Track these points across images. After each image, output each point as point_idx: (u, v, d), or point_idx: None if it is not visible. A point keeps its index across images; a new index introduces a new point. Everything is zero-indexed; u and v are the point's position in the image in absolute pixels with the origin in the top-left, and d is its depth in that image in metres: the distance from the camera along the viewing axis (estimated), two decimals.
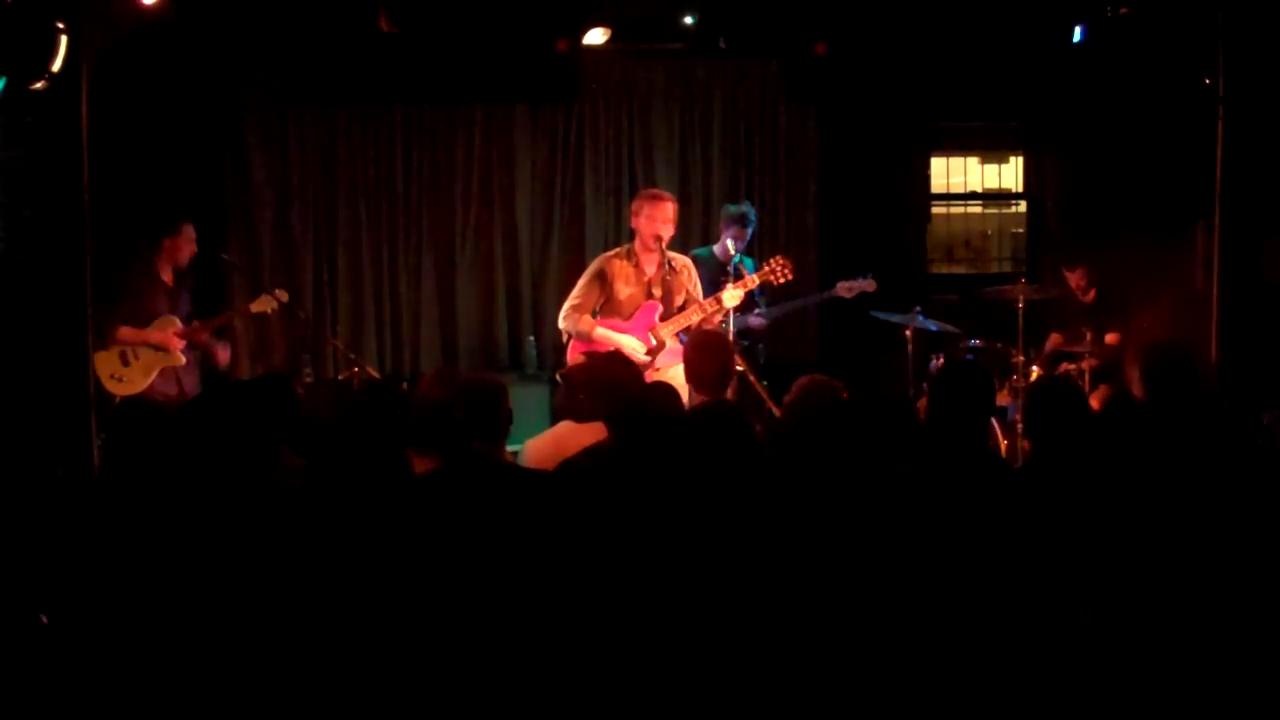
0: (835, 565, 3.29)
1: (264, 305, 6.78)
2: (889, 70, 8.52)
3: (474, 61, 8.18)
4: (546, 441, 4.58)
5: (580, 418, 4.54)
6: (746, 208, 7.27)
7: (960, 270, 9.64)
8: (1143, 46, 7.39)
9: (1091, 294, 7.64)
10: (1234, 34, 6.49)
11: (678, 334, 6.06)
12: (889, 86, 8.63)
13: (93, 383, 6.16)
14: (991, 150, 9.61)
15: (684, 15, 7.86)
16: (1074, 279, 7.67)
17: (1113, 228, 8.22)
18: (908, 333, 7.41)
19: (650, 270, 6.11)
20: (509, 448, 4.20)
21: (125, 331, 6.55)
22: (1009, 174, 9.67)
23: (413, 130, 8.49)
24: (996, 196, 9.71)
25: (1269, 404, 4.33)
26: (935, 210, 9.45)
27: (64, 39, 5.53)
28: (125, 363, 6.57)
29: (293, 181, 8.37)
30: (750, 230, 7.19)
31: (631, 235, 6.20)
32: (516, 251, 8.65)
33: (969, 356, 7.42)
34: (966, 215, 9.76)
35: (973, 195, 9.67)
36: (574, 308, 6.12)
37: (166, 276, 6.71)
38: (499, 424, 3.99)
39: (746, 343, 6.88)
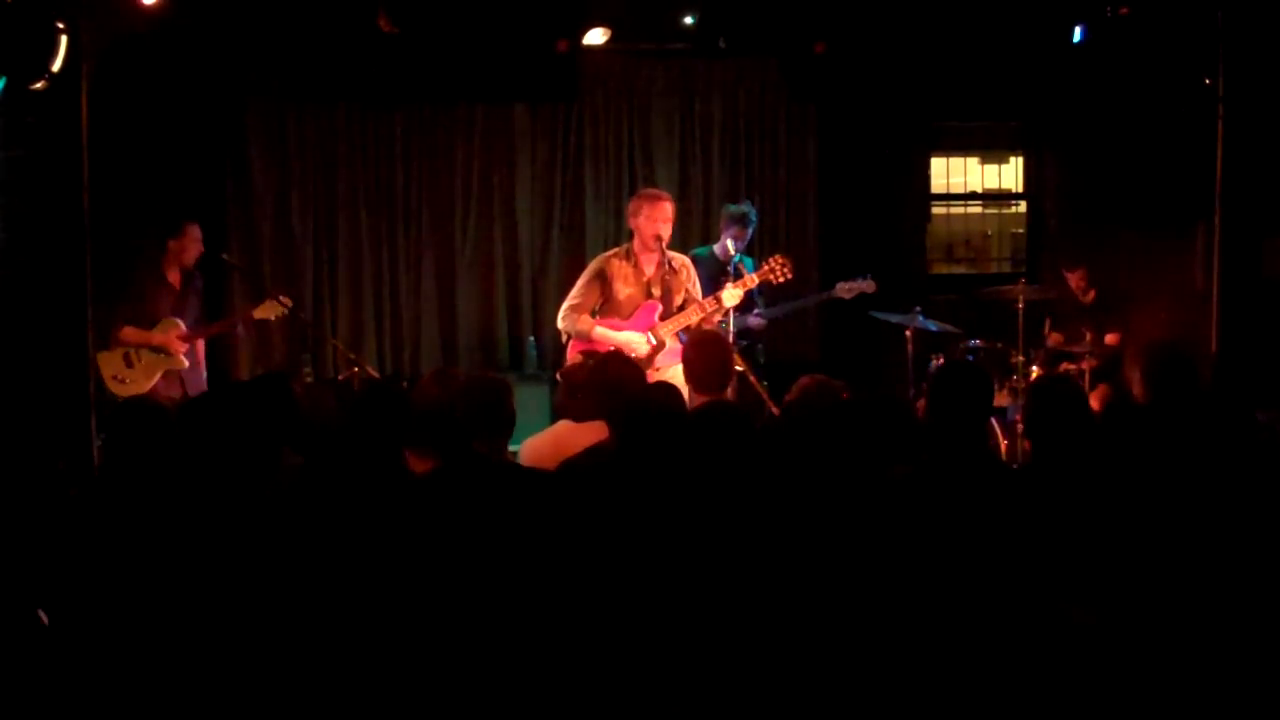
0: (834, 565, 3.29)
1: (268, 311, 6.74)
2: (889, 70, 8.51)
3: (474, 61, 8.17)
4: (545, 441, 4.58)
5: (579, 417, 4.54)
6: (747, 208, 7.27)
7: (960, 270, 9.63)
8: (1143, 46, 7.39)
9: (1091, 294, 7.64)
10: (1234, 34, 6.50)
11: (677, 334, 6.06)
12: (889, 86, 8.63)
13: (93, 383, 6.17)
14: (991, 150, 9.61)
15: (684, 15, 7.85)
16: (1074, 279, 7.67)
17: (1113, 228, 8.22)
18: (908, 333, 7.41)
19: (649, 270, 6.10)
20: (509, 448, 4.19)
21: (129, 332, 6.53)
22: (1009, 174, 9.67)
23: (413, 130, 8.49)
24: (996, 196, 9.71)
25: (1267, 403, 4.32)
26: (935, 210, 9.44)
27: (64, 39, 5.54)
28: (129, 364, 6.55)
29: (293, 181, 8.36)
30: (750, 230, 7.19)
31: (631, 235, 6.19)
32: (516, 251, 8.65)
33: (969, 357, 7.42)
34: (966, 215, 9.75)
35: (973, 195, 9.66)
36: (573, 307, 6.12)
37: (173, 278, 6.69)
38: (503, 422, 3.99)
39: (746, 343, 6.87)
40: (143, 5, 6.38)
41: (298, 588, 3.23)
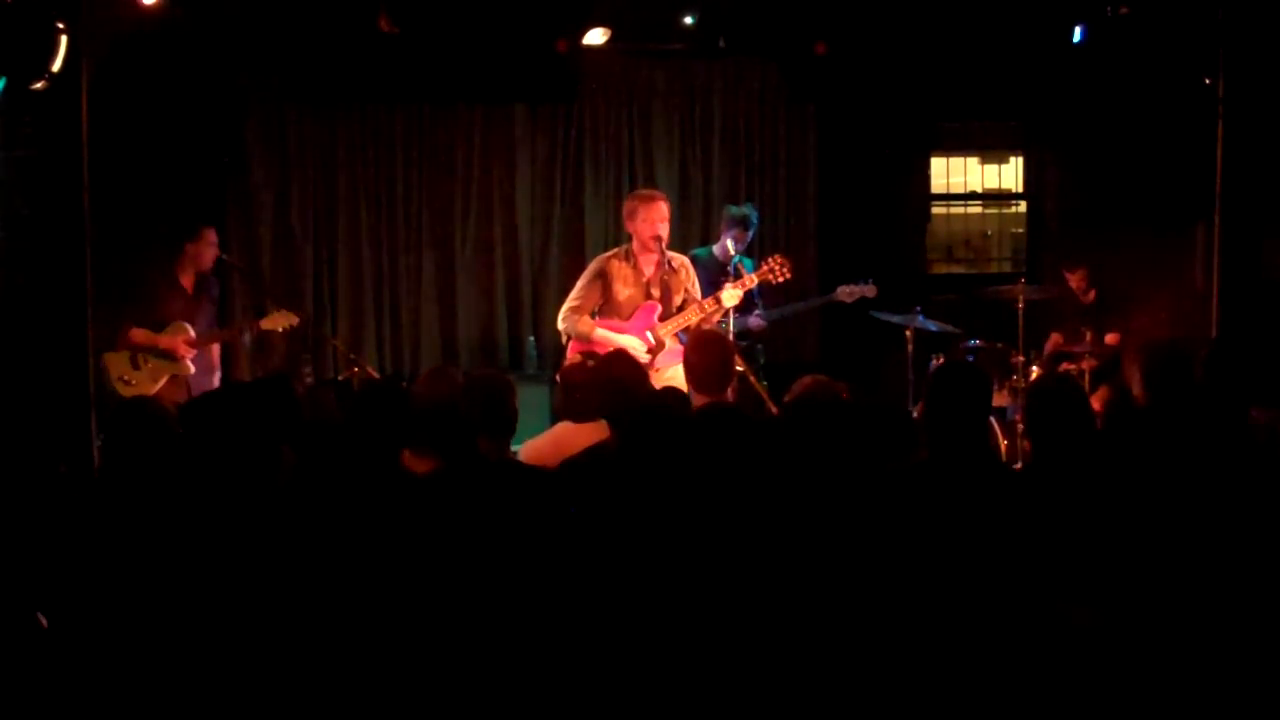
0: (834, 565, 3.29)
1: (275, 323, 6.69)
2: (889, 70, 8.51)
3: (474, 62, 8.18)
4: (546, 442, 4.58)
5: (579, 418, 4.54)
6: (749, 209, 7.27)
7: (960, 270, 9.63)
8: (1143, 46, 7.39)
9: (1092, 294, 7.64)
10: (1234, 34, 6.50)
11: (677, 334, 6.05)
12: (889, 86, 8.63)
13: (93, 383, 6.16)
14: (991, 150, 9.60)
15: (684, 15, 7.86)
16: (1074, 280, 7.67)
17: (1113, 228, 8.22)
18: (908, 333, 7.42)
19: (649, 270, 6.10)
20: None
21: (137, 333, 6.48)
22: (1009, 174, 9.66)
23: (413, 130, 8.49)
24: (996, 196, 9.71)
25: (1267, 403, 4.32)
26: (935, 210, 9.44)
27: (64, 39, 5.54)
28: (135, 366, 6.49)
29: (293, 181, 8.36)
30: (751, 232, 7.19)
31: (630, 235, 6.19)
32: (516, 251, 8.65)
33: (969, 357, 7.42)
34: (966, 215, 9.75)
35: (973, 195, 9.66)
36: (573, 309, 6.12)
37: (186, 282, 6.64)
38: (506, 420, 3.99)
39: (746, 343, 6.87)
40: (143, 5, 6.38)
41: (297, 588, 3.23)
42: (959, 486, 3.53)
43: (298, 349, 8.11)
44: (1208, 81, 6.61)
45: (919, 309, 7.45)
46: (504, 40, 7.93)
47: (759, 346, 7.34)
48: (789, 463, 3.70)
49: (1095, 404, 6.77)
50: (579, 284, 6.20)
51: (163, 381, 6.51)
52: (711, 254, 7.06)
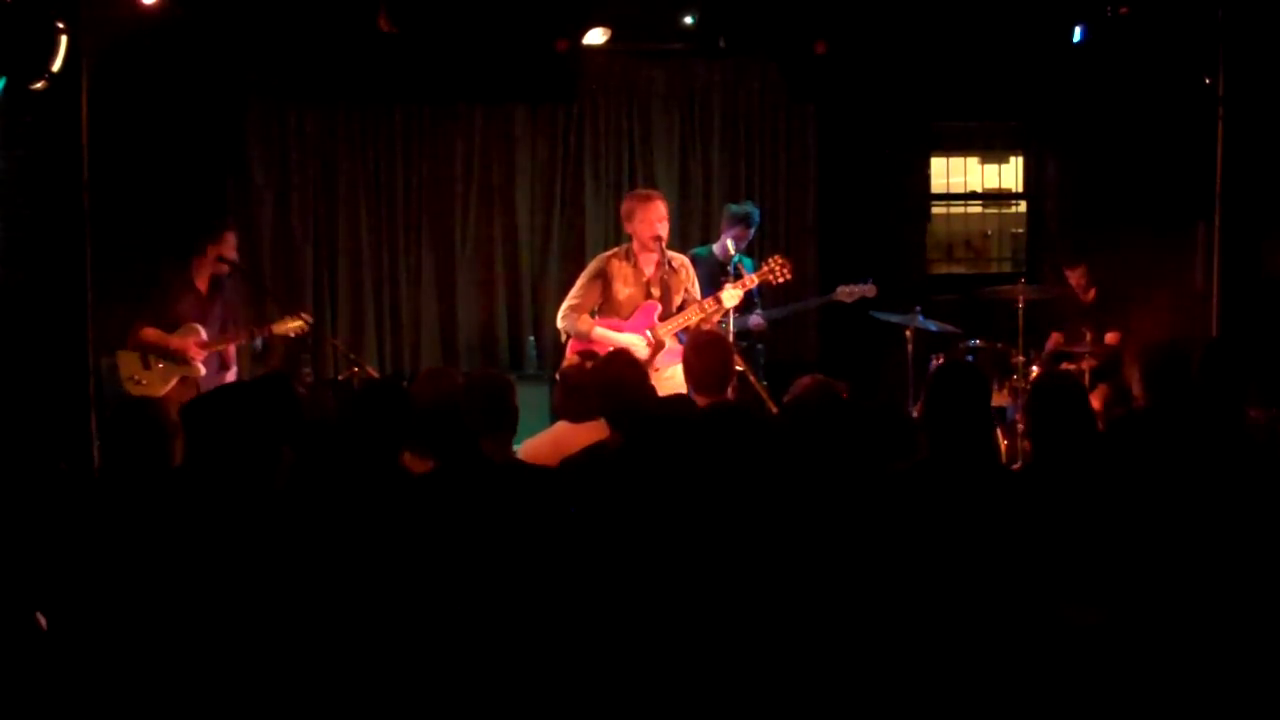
0: (833, 564, 3.28)
1: (288, 327, 6.63)
2: (889, 70, 8.52)
3: (474, 61, 8.17)
4: (545, 442, 4.58)
5: (578, 418, 4.54)
6: (751, 208, 7.28)
7: (960, 270, 9.63)
8: (1143, 46, 7.39)
9: (1092, 293, 7.64)
10: (1234, 34, 6.50)
11: (676, 334, 6.05)
12: (889, 86, 8.63)
13: (94, 382, 6.16)
14: (991, 150, 9.61)
15: (684, 15, 7.85)
16: (1074, 277, 7.67)
17: (1113, 227, 8.22)
18: (908, 333, 7.42)
19: (649, 270, 6.10)
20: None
21: (148, 332, 6.42)
22: (1009, 174, 9.67)
23: (413, 130, 8.48)
24: (996, 196, 9.71)
25: (1267, 402, 4.33)
26: (935, 210, 9.44)
27: (64, 39, 5.54)
28: (146, 366, 6.43)
29: (293, 181, 8.36)
30: (753, 231, 7.19)
31: (630, 235, 6.19)
32: (516, 251, 8.65)
33: (969, 357, 7.42)
34: (966, 215, 9.75)
35: (973, 195, 9.66)
36: (573, 307, 6.12)
37: (201, 283, 6.58)
38: (506, 419, 3.99)
39: (746, 343, 6.87)
40: (143, 5, 6.38)
41: (296, 588, 3.23)
42: (958, 486, 3.53)
43: (298, 349, 8.10)
44: (1208, 81, 6.62)
45: (919, 309, 7.45)
46: (504, 40, 7.93)
47: (759, 346, 7.34)
48: (789, 463, 3.70)
49: (1095, 404, 6.78)
50: (579, 282, 6.20)
51: (173, 383, 6.45)
52: (711, 253, 7.06)
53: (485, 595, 3.26)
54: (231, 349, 6.74)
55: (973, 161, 9.62)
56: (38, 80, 5.55)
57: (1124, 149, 8.13)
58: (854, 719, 3.09)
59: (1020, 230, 9.61)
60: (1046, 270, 8.76)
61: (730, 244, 6.91)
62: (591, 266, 6.25)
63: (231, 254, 6.62)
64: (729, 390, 4.89)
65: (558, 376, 5.50)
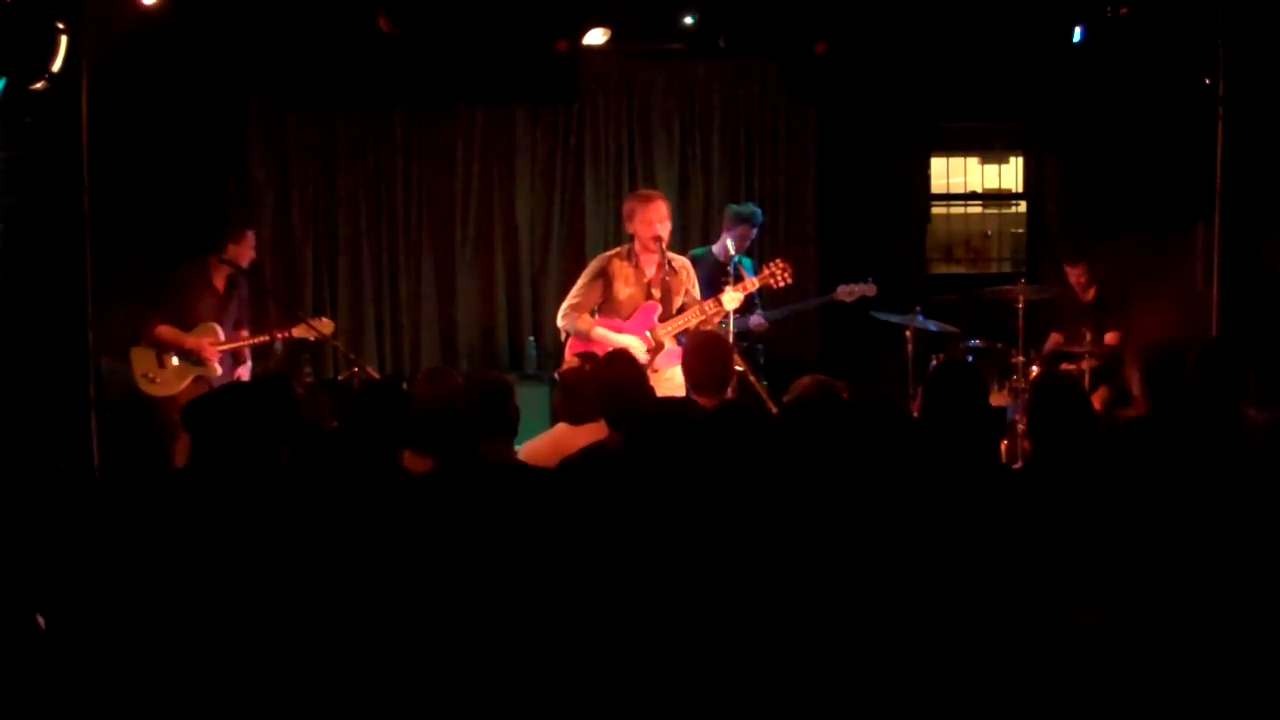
0: (833, 564, 3.28)
1: (308, 331, 6.61)
2: (889, 70, 8.52)
3: (474, 62, 8.17)
4: (544, 443, 4.58)
5: (578, 419, 4.54)
6: (753, 208, 7.28)
7: (960, 270, 9.64)
8: (1143, 46, 7.39)
9: (1091, 291, 7.65)
10: (1234, 34, 6.49)
11: (676, 336, 6.05)
12: (889, 86, 8.63)
13: (94, 383, 6.15)
14: (991, 150, 9.61)
15: (684, 15, 7.85)
16: (1074, 274, 7.67)
17: (1113, 227, 8.23)
18: (908, 333, 7.42)
19: (650, 271, 6.10)
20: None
21: (163, 330, 6.43)
22: (1009, 174, 9.67)
23: (413, 130, 8.49)
24: (996, 196, 9.71)
25: (1267, 402, 4.33)
26: (935, 210, 9.45)
27: (64, 39, 5.54)
28: (161, 364, 6.43)
29: (293, 181, 8.36)
30: (755, 230, 7.19)
31: (632, 235, 6.19)
32: (516, 251, 8.65)
33: (969, 357, 7.43)
34: (966, 215, 9.76)
35: (973, 195, 9.67)
36: (573, 306, 6.12)
37: (219, 283, 6.60)
38: (505, 421, 3.99)
39: (746, 344, 6.87)
40: (143, 5, 6.37)
41: (295, 588, 3.23)
42: (957, 486, 3.53)
43: (298, 349, 8.10)
44: (1208, 81, 6.61)
45: (919, 309, 7.45)
46: (504, 40, 7.93)
47: (759, 346, 7.34)
48: (789, 463, 3.70)
49: (1095, 404, 6.78)
50: (579, 282, 6.20)
51: (188, 381, 6.44)
52: (710, 253, 7.06)
53: (484, 596, 3.26)
54: (245, 353, 6.71)
55: (973, 161, 9.62)
56: (38, 80, 5.54)
57: (1124, 149, 8.13)
58: (855, 718, 3.09)
59: (1020, 230, 9.62)
60: (1046, 270, 8.76)
61: (730, 245, 6.90)
62: (593, 266, 6.25)
63: (251, 253, 6.62)
64: (729, 390, 4.89)
65: (557, 377, 5.51)
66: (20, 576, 3.35)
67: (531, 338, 8.56)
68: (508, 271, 8.64)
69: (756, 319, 7.13)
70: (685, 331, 6.00)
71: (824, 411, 3.83)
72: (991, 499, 3.52)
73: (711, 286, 6.32)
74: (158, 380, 6.39)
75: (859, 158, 8.83)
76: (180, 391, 6.35)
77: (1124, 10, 7.08)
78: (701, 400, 4.53)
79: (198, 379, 6.46)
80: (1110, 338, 7.44)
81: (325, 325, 6.67)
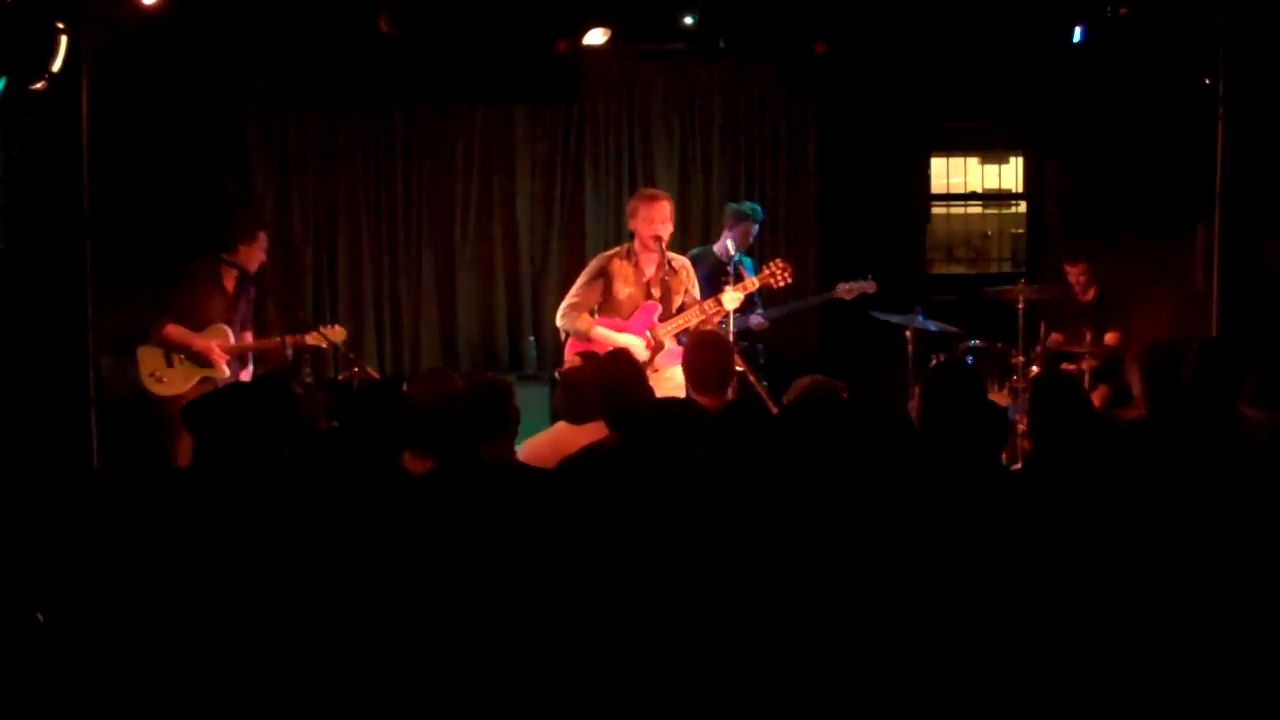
0: (832, 564, 3.29)
1: (320, 338, 6.59)
2: (889, 70, 8.52)
3: (474, 62, 8.17)
4: (544, 443, 4.58)
5: (578, 419, 4.54)
6: (753, 206, 7.28)
7: (960, 270, 9.64)
8: (1143, 46, 7.39)
9: (1091, 291, 7.65)
10: (1234, 34, 6.50)
11: (676, 335, 6.05)
12: (889, 86, 8.63)
13: (94, 383, 6.16)
14: (991, 150, 9.61)
15: (684, 15, 7.85)
16: (1074, 273, 7.68)
17: (1113, 228, 8.23)
18: (908, 333, 7.42)
19: (650, 271, 6.10)
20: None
21: (172, 330, 6.39)
22: (1009, 174, 9.67)
23: (413, 130, 8.49)
24: (996, 196, 9.72)
25: (1267, 402, 4.33)
26: (935, 210, 9.45)
27: (64, 39, 5.55)
28: (169, 363, 6.41)
29: (293, 181, 8.36)
30: (756, 228, 7.19)
31: (632, 235, 6.19)
32: (516, 251, 8.65)
33: (969, 357, 7.43)
34: (966, 215, 9.76)
35: (973, 195, 9.67)
36: (572, 305, 6.12)
37: (229, 284, 6.57)
38: (504, 421, 3.99)
39: (746, 343, 6.87)
40: (143, 5, 6.38)
41: (295, 588, 3.23)
42: (957, 486, 3.53)
43: (299, 350, 8.10)
44: (1208, 81, 6.62)
45: (919, 309, 7.45)
46: (504, 40, 7.93)
47: (759, 346, 7.33)
48: (789, 463, 3.70)
49: (1095, 403, 6.78)
50: (579, 281, 6.20)
51: (194, 381, 6.42)
52: (710, 252, 7.05)
53: (484, 596, 3.26)
54: (249, 356, 6.69)
55: (973, 162, 9.63)
56: (38, 80, 5.55)
57: (1124, 149, 8.13)
58: (855, 717, 3.09)
59: (1020, 230, 9.62)
60: (1046, 270, 8.76)
61: (730, 244, 6.90)
62: (593, 265, 6.25)
63: (262, 255, 6.62)
64: (729, 390, 4.89)
65: (557, 377, 5.51)
66: (20, 575, 3.36)
67: (531, 338, 8.56)
68: (508, 271, 8.64)
69: (756, 318, 7.13)
70: (685, 331, 6.00)
71: (824, 412, 3.83)
72: (991, 499, 3.52)
73: (712, 286, 6.32)
74: (165, 380, 6.38)
75: (859, 157, 8.83)
76: (186, 392, 6.33)
77: (1124, 10, 7.09)
78: (702, 400, 4.53)
79: (204, 380, 6.44)
80: (1110, 338, 7.45)
81: (337, 333, 6.65)
